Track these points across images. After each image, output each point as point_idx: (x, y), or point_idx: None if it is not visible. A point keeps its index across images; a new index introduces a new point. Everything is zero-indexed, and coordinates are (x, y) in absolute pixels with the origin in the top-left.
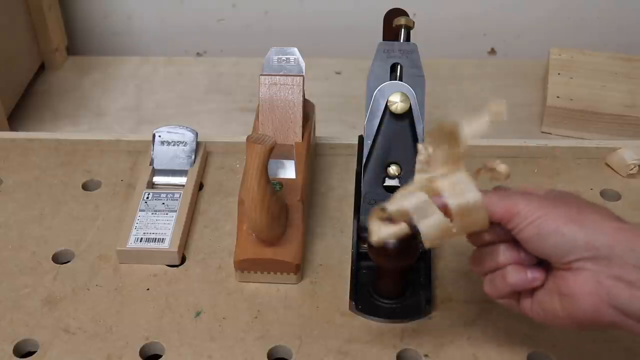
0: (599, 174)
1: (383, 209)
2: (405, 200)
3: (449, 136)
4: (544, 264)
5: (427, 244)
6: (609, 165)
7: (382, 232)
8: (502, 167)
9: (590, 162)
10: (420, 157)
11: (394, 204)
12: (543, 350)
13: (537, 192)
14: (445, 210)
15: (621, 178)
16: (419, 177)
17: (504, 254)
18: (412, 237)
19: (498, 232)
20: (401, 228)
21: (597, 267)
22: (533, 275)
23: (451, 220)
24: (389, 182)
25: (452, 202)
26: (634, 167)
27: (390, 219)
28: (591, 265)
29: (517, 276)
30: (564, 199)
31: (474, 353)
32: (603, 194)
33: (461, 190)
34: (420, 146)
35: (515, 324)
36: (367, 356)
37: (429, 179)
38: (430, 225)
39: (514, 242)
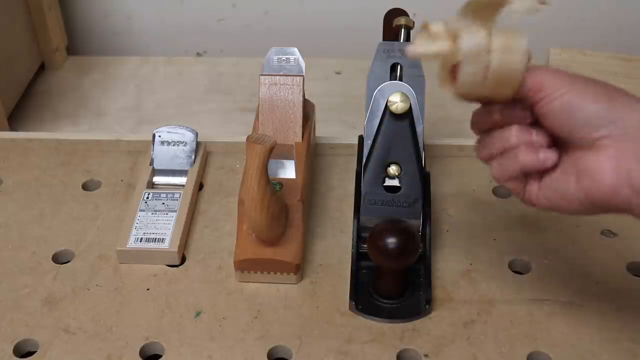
0: None
1: (427, 25)
2: (455, 22)
3: (487, 8)
4: (555, 148)
5: (461, 78)
6: None
7: (419, 50)
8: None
9: None
10: (436, 28)
11: (440, 24)
12: (543, 350)
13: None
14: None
15: None
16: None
17: (516, 134)
18: (411, 235)
19: (510, 113)
20: (444, 46)
21: (622, 145)
22: (546, 155)
23: (489, 65)
24: (389, 182)
25: (497, 36)
26: None
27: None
28: (617, 143)
29: (529, 155)
30: (595, 80)
31: (474, 353)
32: None
33: (512, 35)
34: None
35: (515, 324)
36: (367, 356)
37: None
38: (473, 57)
39: (529, 124)
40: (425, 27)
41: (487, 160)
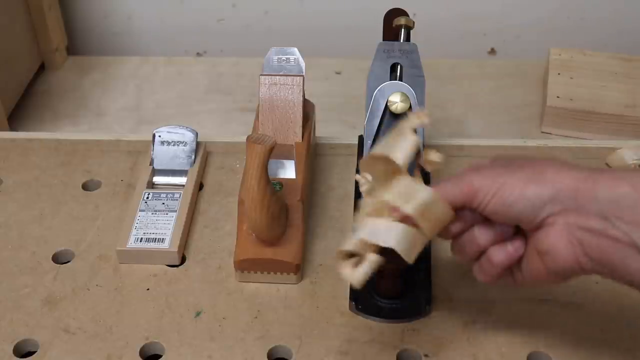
0: None
1: (342, 251)
2: (361, 232)
3: (383, 160)
4: (519, 231)
5: (409, 260)
6: (608, 166)
7: (356, 275)
8: (434, 156)
9: (590, 162)
10: (363, 188)
11: (349, 242)
12: (543, 350)
13: (484, 163)
14: (406, 219)
15: None
16: (365, 202)
17: (480, 235)
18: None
19: (465, 218)
20: (372, 260)
21: (566, 219)
22: (515, 246)
23: (417, 227)
24: None
25: (408, 207)
26: (634, 167)
27: (355, 256)
28: (560, 218)
29: (501, 254)
30: (515, 161)
31: (474, 353)
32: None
33: (411, 193)
34: (358, 177)
35: (515, 324)
36: (367, 356)
37: (376, 202)
38: (399, 241)
39: (485, 220)
40: (340, 254)
41: (465, 262)
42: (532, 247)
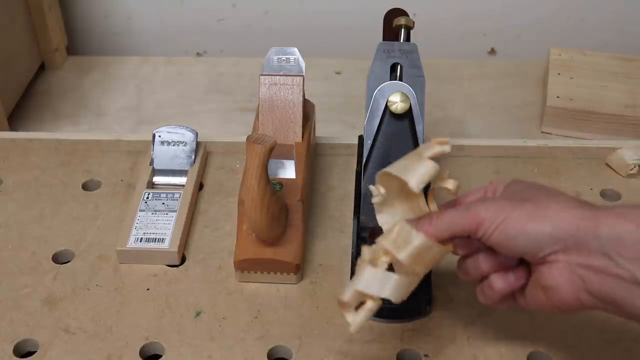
0: (599, 174)
1: (341, 302)
2: (357, 282)
3: (397, 181)
4: (524, 261)
5: (400, 301)
6: (609, 165)
7: (357, 321)
8: (450, 184)
9: (590, 162)
10: (375, 200)
11: (347, 293)
12: (543, 350)
13: (495, 188)
14: (400, 264)
15: (621, 178)
16: (364, 251)
17: (484, 262)
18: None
19: (472, 245)
20: (371, 307)
21: (567, 257)
22: (517, 276)
23: (406, 270)
24: None
25: (402, 255)
26: (634, 167)
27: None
28: (562, 256)
29: (502, 282)
30: (522, 194)
31: (474, 353)
32: (603, 194)
33: (406, 239)
34: (372, 188)
35: (515, 324)
36: (367, 356)
37: (374, 248)
38: (393, 292)
39: (489, 248)
40: (340, 304)
41: (469, 280)
42: (534, 280)
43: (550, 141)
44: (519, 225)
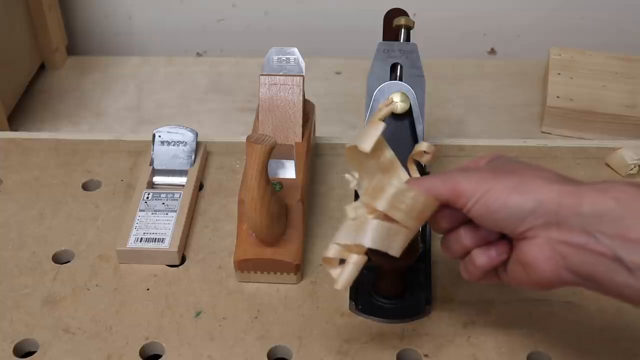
0: (599, 174)
1: (326, 259)
2: (337, 236)
3: (357, 151)
4: (506, 236)
5: (394, 254)
6: (609, 165)
7: (343, 277)
8: (424, 146)
9: (590, 162)
10: (352, 185)
11: (329, 249)
12: (543, 350)
13: (479, 162)
14: (382, 215)
15: (621, 178)
16: (356, 207)
17: (466, 236)
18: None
19: (454, 217)
20: (355, 261)
21: (548, 233)
22: (498, 251)
23: (391, 220)
24: None
25: (379, 203)
26: (634, 167)
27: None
28: (542, 232)
29: (484, 257)
30: (505, 166)
31: (473, 353)
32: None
33: (382, 188)
34: (347, 175)
35: (515, 324)
36: (367, 356)
37: (354, 208)
38: (373, 237)
39: (471, 221)
40: (325, 261)
41: (453, 259)
42: (514, 255)
43: (550, 141)
44: (501, 197)
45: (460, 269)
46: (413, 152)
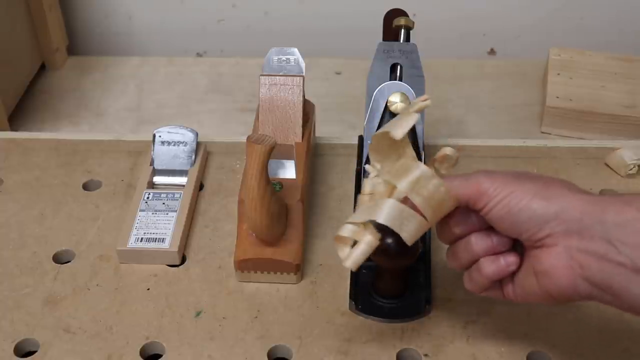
0: (599, 174)
1: (339, 237)
2: (353, 216)
3: (386, 140)
4: (517, 248)
5: (407, 239)
6: (608, 166)
7: (355, 254)
8: (448, 150)
9: (589, 162)
10: (371, 176)
11: (343, 228)
12: (543, 350)
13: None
14: (413, 207)
15: (620, 178)
16: (364, 184)
17: (476, 243)
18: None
19: (467, 223)
20: (367, 242)
21: (568, 241)
22: (507, 261)
23: (423, 215)
24: None
25: (401, 183)
26: (634, 167)
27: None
28: (562, 239)
29: (492, 266)
30: (528, 174)
31: (473, 353)
32: (602, 194)
33: (406, 170)
34: (367, 166)
35: (515, 324)
36: (367, 356)
37: (386, 181)
38: (389, 214)
39: (484, 231)
40: (337, 240)
41: (458, 269)
42: (528, 265)
43: (550, 141)
44: (524, 200)
45: (464, 280)
46: (437, 156)
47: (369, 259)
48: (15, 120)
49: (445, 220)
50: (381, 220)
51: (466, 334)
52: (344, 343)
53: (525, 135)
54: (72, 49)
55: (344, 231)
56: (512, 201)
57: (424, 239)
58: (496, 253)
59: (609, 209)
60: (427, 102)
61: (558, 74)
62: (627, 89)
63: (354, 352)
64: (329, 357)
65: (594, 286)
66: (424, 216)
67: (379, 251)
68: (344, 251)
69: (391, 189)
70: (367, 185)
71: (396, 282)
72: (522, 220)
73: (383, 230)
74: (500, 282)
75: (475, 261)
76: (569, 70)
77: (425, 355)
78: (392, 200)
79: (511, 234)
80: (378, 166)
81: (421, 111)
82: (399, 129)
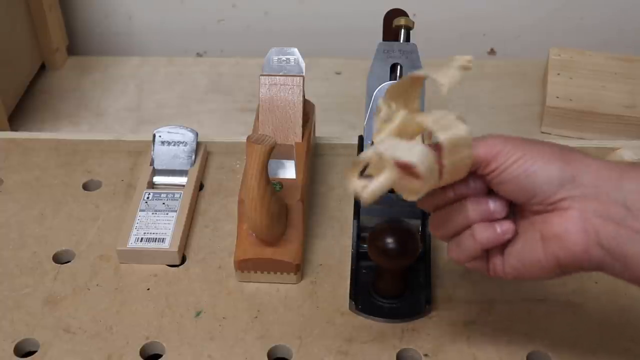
0: None
1: (356, 162)
2: (380, 146)
3: (410, 91)
4: (510, 216)
5: (413, 199)
6: None
7: (373, 186)
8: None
9: None
10: (381, 114)
11: (365, 154)
12: (542, 350)
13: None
14: (434, 147)
15: None
16: (385, 119)
17: (473, 209)
18: (411, 235)
19: (463, 187)
20: (387, 177)
21: (584, 205)
22: (503, 229)
23: (442, 159)
24: None
25: (443, 135)
26: None
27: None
28: (578, 203)
29: (487, 232)
30: (542, 140)
31: (473, 353)
32: None
33: (449, 124)
34: (380, 102)
35: (514, 324)
36: (367, 356)
37: (402, 121)
38: (422, 159)
39: (480, 196)
40: (353, 165)
41: (441, 238)
42: (533, 231)
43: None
44: (541, 162)
45: (449, 248)
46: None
47: (369, 259)
48: (15, 120)
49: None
50: (413, 161)
51: (466, 334)
52: (344, 343)
53: (525, 135)
54: (72, 49)
55: (366, 155)
56: (527, 162)
57: (424, 239)
58: (490, 220)
59: (626, 176)
60: (470, 64)
61: (558, 74)
62: (627, 89)
63: (354, 352)
64: (329, 357)
65: (606, 253)
66: (445, 163)
67: (379, 251)
68: (357, 183)
69: (421, 130)
70: (384, 110)
71: (396, 282)
72: (537, 182)
73: (383, 230)
74: (487, 254)
75: (465, 228)
76: (569, 70)
77: (425, 355)
78: (427, 147)
79: (521, 196)
80: (393, 105)
81: (464, 70)
82: (445, 79)
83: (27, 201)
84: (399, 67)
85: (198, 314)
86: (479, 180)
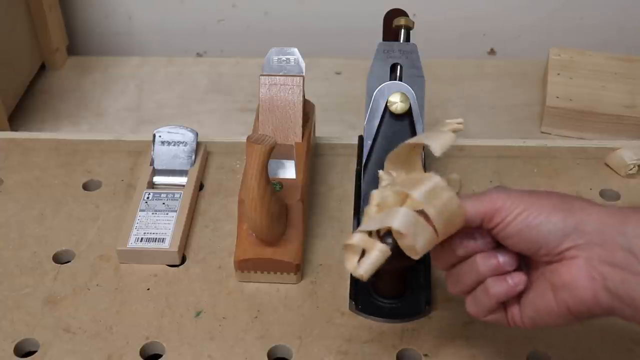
0: (599, 174)
1: (348, 245)
2: (364, 224)
3: (410, 156)
4: (521, 267)
5: (416, 249)
6: (608, 166)
7: (368, 262)
8: (454, 176)
9: (589, 162)
10: (383, 184)
11: (354, 236)
12: (542, 349)
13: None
14: (419, 212)
15: (620, 178)
16: (373, 195)
17: (482, 263)
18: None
19: (470, 245)
20: (383, 249)
21: (589, 252)
22: (515, 281)
23: (435, 230)
24: None
25: (416, 192)
26: (633, 167)
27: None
28: (584, 252)
29: (500, 285)
30: (542, 191)
31: (473, 353)
32: (602, 194)
33: (420, 180)
34: (381, 172)
35: None
36: (367, 356)
37: (385, 193)
38: (402, 221)
39: (489, 251)
40: (346, 248)
41: (460, 295)
42: (543, 281)
43: (549, 141)
44: (544, 213)
45: (467, 304)
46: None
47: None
48: (15, 120)
49: (447, 242)
50: (396, 225)
51: (466, 334)
52: (344, 343)
53: (525, 135)
54: (72, 49)
55: (354, 239)
56: (530, 215)
57: None
58: (502, 273)
59: (629, 220)
60: (461, 126)
61: (558, 74)
62: (627, 89)
63: (354, 352)
64: (329, 357)
65: (615, 298)
66: (435, 230)
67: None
68: (352, 260)
69: (402, 200)
70: (375, 196)
71: (396, 283)
72: (541, 234)
73: (386, 230)
74: (504, 306)
75: (479, 283)
76: (569, 70)
77: (425, 355)
78: (406, 208)
79: (527, 249)
80: (394, 174)
81: (456, 132)
82: (437, 144)
83: (27, 201)
84: (399, 67)
85: (198, 314)
86: (487, 235)
